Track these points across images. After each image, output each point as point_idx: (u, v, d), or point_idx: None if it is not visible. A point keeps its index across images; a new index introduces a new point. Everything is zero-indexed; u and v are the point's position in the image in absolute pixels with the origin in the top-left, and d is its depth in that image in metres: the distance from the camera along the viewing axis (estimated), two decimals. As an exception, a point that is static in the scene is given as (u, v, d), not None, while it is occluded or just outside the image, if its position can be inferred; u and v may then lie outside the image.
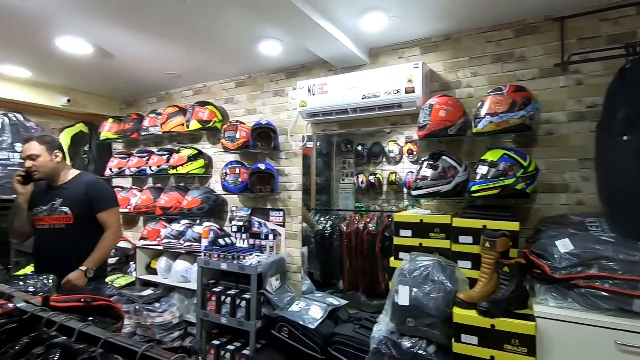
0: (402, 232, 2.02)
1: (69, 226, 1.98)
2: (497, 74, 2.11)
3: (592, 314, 1.42)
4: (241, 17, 2.06)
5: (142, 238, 3.22)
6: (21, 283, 1.47)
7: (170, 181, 3.41)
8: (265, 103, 2.96)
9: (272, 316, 2.46)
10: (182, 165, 3.00)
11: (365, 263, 2.82)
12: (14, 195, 1.99)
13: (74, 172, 2.13)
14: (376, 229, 2.82)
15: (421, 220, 1.98)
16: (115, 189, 3.49)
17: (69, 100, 3.45)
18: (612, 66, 1.75)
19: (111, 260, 3.44)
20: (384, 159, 3.41)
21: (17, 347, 0.83)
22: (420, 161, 2.08)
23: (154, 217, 3.26)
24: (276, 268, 2.63)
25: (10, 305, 0.99)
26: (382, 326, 1.85)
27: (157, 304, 2.85)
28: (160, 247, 3.04)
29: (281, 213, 2.80)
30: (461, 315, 1.61)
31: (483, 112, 1.84)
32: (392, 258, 2.05)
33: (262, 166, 2.68)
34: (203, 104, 3.00)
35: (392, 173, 3.33)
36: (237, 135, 2.73)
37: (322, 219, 3.30)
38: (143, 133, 3.32)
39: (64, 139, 3.65)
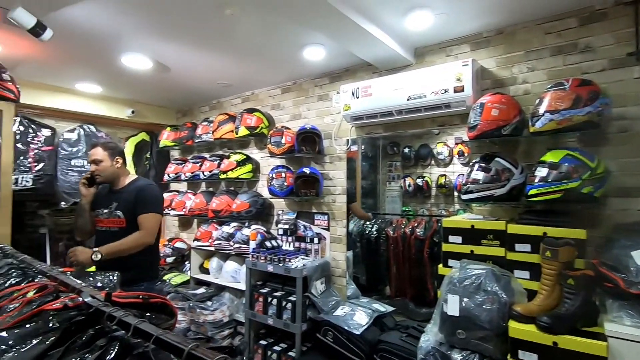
0: (452, 239, 1.92)
1: (121, 230, 2.05)
2: (558, 67, 1.94)
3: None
4: (285, 26, 2.12)
5: (195, 239, 3.41)
6: (91, 279, 1.62)
7: (221, 185, 3.58)
8: (310, 108, 3.00)
9: (317, 320, 2.47)
10: (231, 170, 3.14)
11: (413, 269, 2.73)
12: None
13: (131, 177, 2.23)
14: (424, 234, 2.73)
15: (472, 226, 1.87)
16: (172, 193, 3.76)
17: (133, 112, 3.78)
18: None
19: (169, 260, 3.69)
20: (433, 162, 3.28)
21: (84, 338, 0.91)
22: (471, 163, 1.97)
23: (206, 219, 3.44)
24: (321, 272, 2.64)
25: (80, 299, 1.10)
26: (431, 336, 1.77)
27: (209, 303, 2.99)
28: (212, 248, 3.19)
29: (326, 217, 2.81)
30: (518, 329, 1.49)
31: (542, 109, 1.69)
32: (440, 265, 1.96)
33: (307, 170, 2.71)
34: (251, 111, 3.12)
35: (441, 176, 3.19)
36: (283, 141, 2.80)
37: (367, 223, 3.25)
38: (197, 140, 3.52)
39: (129, 147, 4.00)
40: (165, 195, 3.77)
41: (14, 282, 1.49)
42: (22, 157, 3.17)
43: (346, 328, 2.31)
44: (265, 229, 3.07)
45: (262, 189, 3.19)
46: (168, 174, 3.73)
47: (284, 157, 2.94)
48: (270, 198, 3.06)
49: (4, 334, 1.00)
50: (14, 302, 1.26)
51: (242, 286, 2.90)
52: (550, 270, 1.54)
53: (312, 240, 2.79)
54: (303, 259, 2.69)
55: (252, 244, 2.86)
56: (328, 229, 2.80)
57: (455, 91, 2.06)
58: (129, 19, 2.04)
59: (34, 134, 3.28)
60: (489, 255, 1.80)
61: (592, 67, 1.84)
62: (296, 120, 3.06)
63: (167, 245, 3.72)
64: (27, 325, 1.02)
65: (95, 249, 1.88)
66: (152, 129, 4.13)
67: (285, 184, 2.80)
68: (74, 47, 2.39)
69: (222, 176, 3.20)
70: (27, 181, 3.15)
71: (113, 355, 0.82)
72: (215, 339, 2.89)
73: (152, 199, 2.13)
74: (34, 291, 1.34)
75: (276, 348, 2.65)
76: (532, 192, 1.69)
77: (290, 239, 2.91)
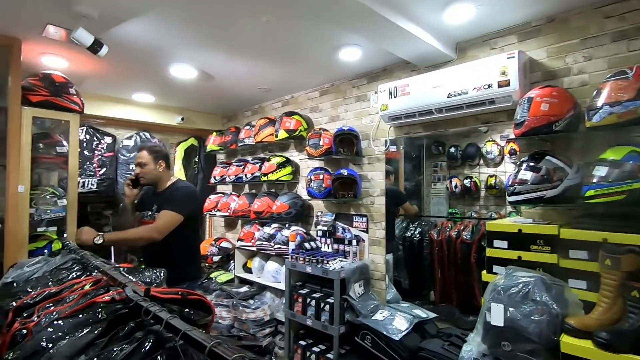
0: (497, 243, 1.80)
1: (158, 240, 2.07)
2: (621, 54, 1.74)
3: None
4: (321, 29, 2.13)
5: (239, 239, 3.54)
6: (141, 275, 1.75)
7: (263, 187, 3.68)
8: (348, 109, 2.98)
9: (355, 323, 2.44)
10: (271, 172, 3.22)
11: (459, 274, 2.60)
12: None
13: (172, 180, 2.29)
14: (471, 238, 2.59)
15: (520, 230, 1.74)
16: (218, 195, 3.93)
17: (182, 119, 4.02)
18: None
19: (215, 258, 3.87)
20: (482, 161, 3.10)
21: (125, 330, 0.98)
22: (519, 163, 1.84)
23: (249, 220, 3.55)
24: (359, 274, 2.60)
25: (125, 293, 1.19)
26: (473, 347, 1.67)
27: (251, 301, 3.09)
28: (254, 249, 3.29)
29: (364, 219, 2.78)
30: (572, 345, 1.35)
31: (600, 101, 1.53)
32: (484, 271, 1.84)
33: (345, 172, 2.70)
34: (290, 114, 3.17)
35: (491, 176, 3.00)
36: (321, 143, 2.81)
37: (410, 225, 3.16)
38: (240, 144, 3.66)
39: (179, 151, 4.27)
40: (212, 197, 3.97)
41: (75, 275, 1.65)
42: (88, 163, 3.51)
43: (385, 333, 2.26)
44: (304, 231, 3.11)
45: (302, 190, 3.23)
46: (214, 177, 3.92)
47: (322, 159, 2.96)
48: (309, 200, 3.09)
49: (61, 322, 1.11)
50: (73, 293, 1.39)
51: (282, 286, 2.96)
52: (610, 281, 1.38)
53: (350, 242, 2.77)
54: (341, 261, 2.68)
55: (292, 245, 2.91)
56: (367, 231, 2.77)
57: (499, 86, 1.93)
58: (174, 32, 2.18)
59: (98, 142, 3.62)
60: (538, 262, 1.66)
61: (663, 52, 1.63)
62: (334, 122, 3.06)
63: (213, 245, 3.90)
64: (80, 316, 1.12)
65: (99, 233, 1.91)
66: (200, 135, 4.36)
67: (323, 185, 2.81)
68: (129, 61, 2.60)
69: (263, 178, 3.29)
70: (92, 184, 3.48)
71: (148, 347, 0.87)
72: (257, 337, 2.98)
73: (177, 199, 2.15)
74: (90, 284, 1.47)
75: (315, 349, 2.67)
76: (589, 193, 1.53)
77: (329, 240, 2.91)
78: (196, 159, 4.36)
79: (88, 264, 1.61)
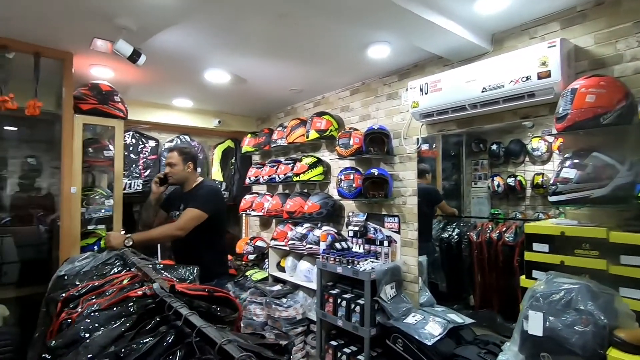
0: (536, 247, 1.68)
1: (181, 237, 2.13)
2: (683, 36, 1.55)
3: None
4: (348, 27, 2.11)
5: (273, 239, 3.61)
6: (175, 272, 1.84)
7: (296, 187, 3.72)
8: (378, 108, 2.93)
9: (386, 325, 2.40)
10: (303, 172, 3.25)
11: (501, 278, 2.47)
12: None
13: (197, 181, 2.37)
14: (514, 240, 2.45)
15: (562, 232, 1.61)
16: (253, 195, 4.04)
17: (219, 122, 4.18)
18: None
19: (251, 257, 3.97)
20: (527, 159, 2.90)
21: (152, 324, 1.04)
22: (561, 160, 1.70)
23: (282, 220, 3.61)
24: (391, 276, 2.55)
25: (155, 289, 1.25)
26: (509, 356, 1.57)
27: (284, 300, 3.13)
28: (287, 248, 3.34)
29: (396, 219, 2.71)
30: (621, 360, 1.23)
31: (656, 91, 1.37)
32: (523, 276, 1.72)
33: (375, 171, 2.66)
34: (320, 114, 3.18)
35: (537, 174, 2.80)
36: (351, 142, 2.79)
37: (448, 226, 3.04)
38: (272, 145, 3.73)
39: (217, 153, 4.44)
40: (247, 197, 4.09)
41: (116, 270, 1.76)
42: (134, 165, 3.75)
43: (417, 337, 2.19)
44: (335, 231, 3.10)
45: (333, 190, 3.23)
46: (249, 177, 4.03)
47: (352, 158, 2.93)
48: (340, 200, 3.08)
49: (98, 314, 1.20)
50: (113, 287, 1.49)
51: (314, 285, 2.97)
52: (669, 291, 1.23)
53: (382, 243, 2.72)
54: (372, 262, 2.64)
55: (323, 245, 2.91)
56: (399, 232, 2.70)
57: (539, 77, 1.79)
58: (206, 39, 2.26)
59: (143, 145, 3.86)
60: (585, 267, 1.53)
61: None
62: (365, 121, 3.02)
63: (249, 244, 4.01)
64: (114, 309, 1.20)
65: (127, 235, 1.97)
66: (236, 137, 4.50)
67: (354, 185, 2.78)
68: (167, 68, 2.74)
69: (295, 179, 3.33)
70: (137, 185, 3.72)
71: (170, 341, 0.91)
72: (290, 335, 3.02)
73: (201, 197, 2.22)
74: (128, 279, 1.56)
75: (346, 350, 2.65)
76: (643, 192, 1.38)
77: (360, 241, 2.88)
78: (232, 160, 4.51)
79: (127, 260, 1.72)
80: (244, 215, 4.26)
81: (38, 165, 3.61)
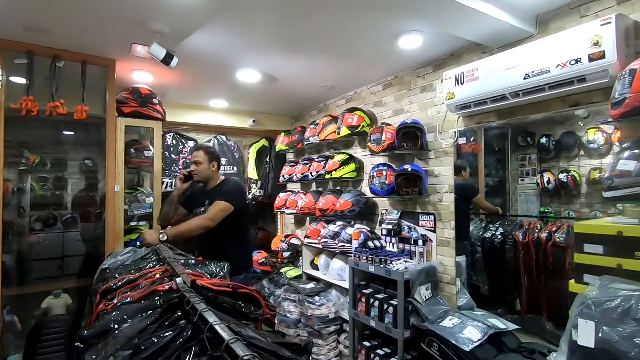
0: (588, 248, 1.51)
1: (210, 228, 2.21)
2: None
3: None
4: (375, 17, 2.03)
5: (306, 236, 3.61)
6: (206, 267, 1.88)
7: (329, 185, 3.69)
8: (412, 101, 2.81)
9: (421, 328, 2.29)
10: (335, 170, 3.20)
11: (550, 282, 2.29)
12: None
13: (221, 179, 2.47)
14: (566, 241, 2.25)
15: (620, 232, 1.43)
16: (287, 193, 4.07)
17: (254, 121, 4.25)
18: None
19: (285, 254, 4.01)
20: (581, 152, 2.64)
21: (173, 317, 1.05)
22: (618, 150, 1.51)
23: (315, 218, 3.60)
24: (426, 276, 2.44)
25: (181, 283, 1.28)
26: (556, 368, 1.43)
27: (317, 298, 3.12)
28: (320, 246, 3.32)
29: (431, 217, 2.59)
30: (693, 380, 1.06)
31: None
32: (572, 280, 1.56)
33: (408, 167, 2.55)
34: (352, 110, 3.12)
35: (594, 169, 2.53)
36: (383, 138, 2.70)
37: (490, 225, 2.86)
38: (305, 143, 3.73)
39: (252, 152, 4.52)
40: (281, 195, 4.12)
41: (151, 265, 1.84)
42: (174, 165, 3.93)
43: (453, 342, 2.07)
44: (368, 229, 3.03)
45: (366, 188, 3.15)
46: (282, 175, 4.06)
47: (385, 154, 2.84)
48: (373, 197, 3.00)
49: (127, 306, 1.24)
50: (145, 281, 1.55)
51: (347, 284, 2.93)
52: None
53: (416, 242, 2.61)
54: (406, 261, 2.54)
55: (355, 243, 2.86)
56: (434, 231, 2.58)
57: (591, 59, 1.61)
58: (236, 39, 2.30)
59: (182, 146, 4.02)
60: (647, 272, 1.35)
61: None
62: (398, 116, 2.92)
63: (283, 241, 4.05)
64: (142, 302, 1.24)
65: (162, 231, 2.08)
66: (271, 135, 4.56)
67: (386, 182, 2.69)
68: (200, 69, 2.83)
69: (327, 176, 3.30)
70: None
71: (186, 336, 0.92)
72: (322, 334, 3.00)
73: (228, 191, 2.31)
74: (160, 273, 1.62)
75: (379, 352, 2.58)
76: None
77: (393, 239, 2.79)
78: (267, 159, 4.57)
79: (160, 255, 1.79)
80: (279, 213, 4.31)
81: (93, 167, 3.90)
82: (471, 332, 2.12)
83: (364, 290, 2.69)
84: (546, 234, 2.35)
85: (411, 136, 2.61)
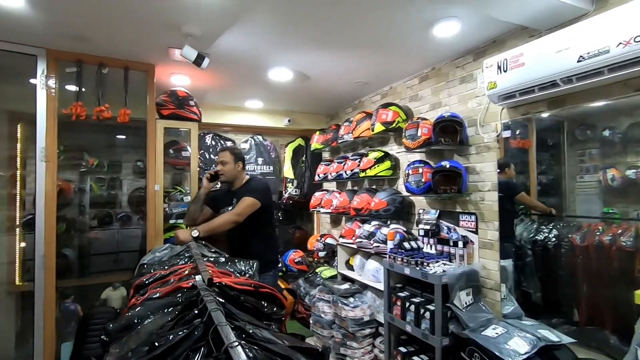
0: (658, 254, 1.29)
1: (239, 223, 2.30)
2: None
3: None
4: (408, 4, 1.91)
5: (341, 236, 3.54)
6: (236, 265, 1.89)
7: (364, 183, 3.60)
8: (451, 93, 2.64)
9: (461, 336, 2.14)
10: (369, 168, 3.11)
11: (616, 290, 2.05)
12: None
13: (246, 178, 2.55)
14: (634, 245, 2.00)
15: (700, 236, 1.21)
16: (322, 192, 4.03)
17: (289, 120, 4.27)
18: None
19: (321, 254, 3.97)
20: (655, 146, 2.32)
21: (189, 315, 1.05)
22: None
23: (350, 217, 3.52)
24: (466, 281, 2.27)
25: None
26: (618, 392, 1.24)
27: (351, 299, 3.04)
28: (355, 246, 3.24)
29: (473, 217, 2.41)
30: None
31: None
32: (637, 291, 1.35)
33: (447, 164, 2.39)
34: (386, 105, 3.00)
35: (669, 165, 2.22)
36: (419, 133, 2.57)
37: (543, 227, 2.61)
38: (340, 141, 3.66)
39: (288, 152, 4.54)
40: (317, 194, 4.09)
41: (183, 262, 1.88)
42: (214, 165, 4.05)
43: (497, 354, 1.90)
44: (405, 229, 2.90)
45: (402, 186, 3.02)
46: (318, 174, 4.03)
47: (422, 150, 2.70)
48: (409, 196, 2.86)
49: (151, 302, 1.27)
50: (175, 277, 1.58)
51: (383, 286, 2.82)
52: None
53: (456, 244, 2.45)
54: (444, 264, 2.39)
55: (390, 244, 2.74)
56: (476, 232, 2.39)
57: (661, 34, 1.38)
58: (265, 37, 2.29)
59: (221, 146, 4.14)
60: None
61: None
62: (435, 110, 2.76)
63: (319, 241, 4.02)
64: (165, 298, 1.26)
65: (194, 228, 2.18)
66: (306, 135, 4.56)
67: (422, 180, 2.55)
68: (234, 70, 2.87)
69: (362, 174, 3.21)
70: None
71: (197, 335, 0.90)
72: (357, 337, 2.92)
73: (255, 188, 2.40)
74: (189, 270, 1.64)
75: (416, 359, 2.45)
76: None
77: (431, 240, 2.64)
78: (303, 158, 4.57)
79: (190, 252, 1.83)
80: (315, 212, 4.29)
81: (144, 168, 4.16)
82: (518, 343, 1.94)
83: (400, 294, 2.57)
84: (610, 238, 2.10)
85: (449, 131, 2.45)
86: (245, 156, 4.21)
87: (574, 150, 2.69)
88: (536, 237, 2.53)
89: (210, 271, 1.53)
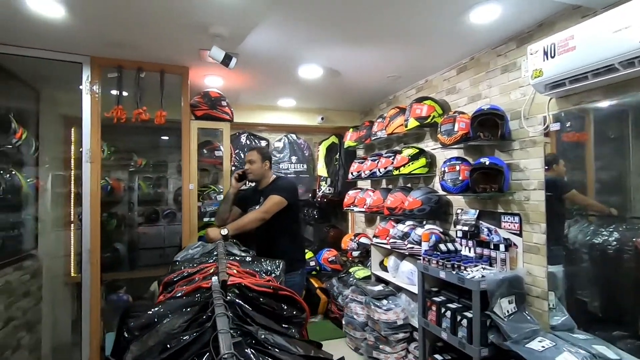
0: None
1: (266, 221, 2.32)
2: None
3: None
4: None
5: (374, 236, 3.44)
6: (261, 265, 1.88)
7: (399, 182, 3.47)
8: (491, 84, 2.44)
9: (502, 347, 1.97)
10: (403, 165, 2.97)
11: None
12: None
13: (273, 177, 2.57)
14: None
15: None
16: (356, 190, 3.95)
17: (322, 118, 4.22)
18: None
19: (354, 254, 3.89)
20: None
21: (204, 317, 1.03)
22: None
23: (384, 216, 3.41)
24: (508, 287, 2.09)
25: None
26: None
27: (384, 301, 2.94)
28: (388, 246, 3.13)
29: (516, 219, 2.21)
30: None
31: None
32: None
33: (486, 161, 2.22)
34: (420, 100, 2.85)
35: None
36: (455, 128, 2.40)
37: (602, 229, 2.34)
38: (373, 138, 3.55)
39: (322, 150, 4.51)
40: (350, 192, 4.02)
41: (210, 260, 1.91)
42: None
43: (543, 369, 1.73)
44: (441, 230, 2.74)
45: (439, 184, 2.86)
46: (351, 173, 3.94)
47: (459, 146, 2.53)
48: (446, 195, 2.70)
49: (172, 301, 1.28)
50: (200, 275, 1.59)
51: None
52: None
53: (497, 247, 2.26)
54: (484, 268, 2.22)
55: (424, 246, 2.61)
56: (520, 234, 2.20)
57: None
58: (293, 34, 2.26)
59: (255, 145, 4.20)
60: None
61: None
62: (475, 103, 2.57)
63: (353, 240, 3.94)
64: (184, 298, 1.27)
65: (222, 227, 2.23)
66: (340, 132, 4.49)
67: (460, 178, 2.39)
68: (264, 69, 2.88)
69: (395, 172, 3.08)
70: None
71: (209, 337, 0.88)
72: (390, 341, 2.82)
73: (281, 187, 2.43)
74: (214, 269, 1.65)
75: (452, 368, 2.31)
76: None
77: (470, 243, 2.47)
78: (337, 156, 4.51)
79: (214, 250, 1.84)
80: (348, 211, 4.21)
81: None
82: (568, 359, 1.75)
83: (435, 298, 2.43)
84: (682, 242, 1.82)
85: (489, 125, 2.27)
86: (278, 154, 4.27)
87: (641, 142, 2.38)
88: (593, 240, 2.28)
89: (235, 270, 1.53)
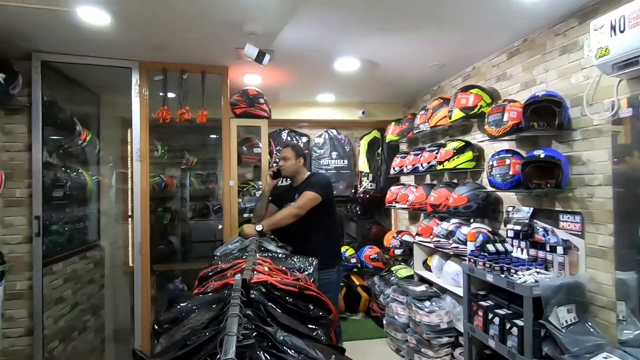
0: None
1: (301, 217, 2.32)
2: None
3: None
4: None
5: (417, 234, 3.30)
6: (294, 262, 1.86)
7: (444, 177, 3.28)
8: (548, 68, 2.19)
9: (558, 361, 1.77)
10: (447, 160, 2.80)
11: None
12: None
13: (307, 174, 2.58)
14: None
15: None
16: (398, 186, 3.82)
17: (363, 112, 4.12)
18: None
19: (397, 252, 3.76)
20: None
21: (224, 316, 1.03)
22: None
23: (428, 213, 3.24)
24: (567, 295, 1.86)
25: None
26: None
27: (427, 303, 2.80)
28: (432, 245, 2.97)
29: (577, 218, 1.97)
30: None
31: None
32: None
33: (541, 153, 1.99)
34: (466, 89, 2.65)
35: None
36: (505, 118, 2.19)
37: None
38: (416, 131, 3.39)
39: (363, 145, 4.41)
40: (393, 188, 3.88)
41: (244, 256, 1.93)
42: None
43: (608, 390, 1.52)
44: (489, 229, 2.54)
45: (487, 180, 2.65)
46: (393, 168, 3.81)
47: (510, 138, 2.31)
48: (495, 191, 2.48)
49: (201, 296, 1.30)
50: (232, 271, 1.61)
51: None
52: None
53: (554, 249, 2.03)
54: (538, 272, 2.00)
55: (470, 246, 2.42)
56: (581, 236, 1.95)
57: None
58: (326, 27, 2.21)
59: (296, 142, 4.22)
60: None
61: None
62: (529, 89, 2.32)
63: (395, 238, 3.81)
64: (212, 293, 1.28)
65: (258, 223, 2.25)
66: (382, 126, 4.35)
67: (510, 172, 2.18)
68: (300, 65, 2.86)
69: (439, 167, 2.91)
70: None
71: (218, 341, 0.87)
72: (433, 345, 2.68)
73: (316, 183, 2.44)
74: (245, 266, 1.67)
75: (502, 380, 2.13)
76: None
77: (523, 244, 2.24)
78: (379, 151, 4.39)
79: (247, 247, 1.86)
80: (391, 208, 4.08)
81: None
82: (640, 380, 1.52)
83: (482, 303, 2.26)
84: None
85: (545, 113, 2.03)
86: (319, 150, 4.25)
87: None
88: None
89: (267, 267, 1.53)
